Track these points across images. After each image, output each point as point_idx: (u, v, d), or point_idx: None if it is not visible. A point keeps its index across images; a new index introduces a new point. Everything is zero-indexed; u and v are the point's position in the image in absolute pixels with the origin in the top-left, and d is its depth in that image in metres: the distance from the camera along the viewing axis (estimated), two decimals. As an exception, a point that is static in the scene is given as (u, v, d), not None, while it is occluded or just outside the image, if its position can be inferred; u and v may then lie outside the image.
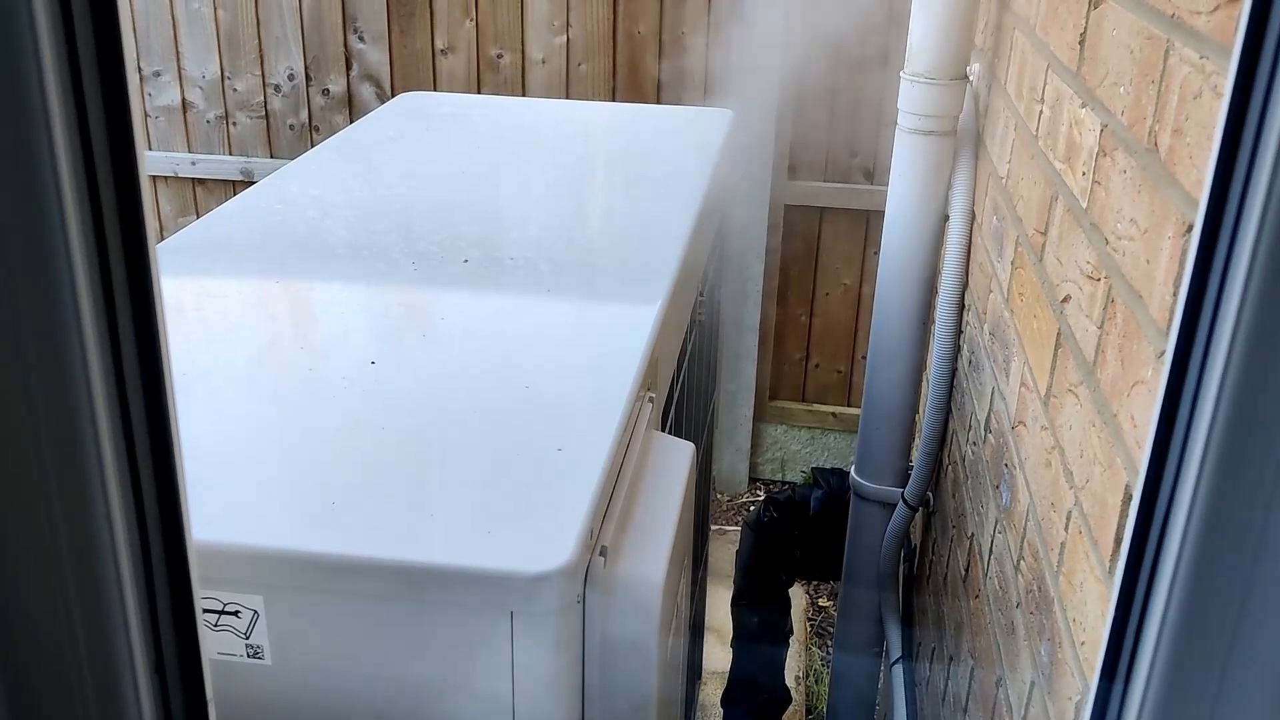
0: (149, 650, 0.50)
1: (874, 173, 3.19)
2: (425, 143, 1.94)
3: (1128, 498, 0.88)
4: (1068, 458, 1.08)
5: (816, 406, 3.51)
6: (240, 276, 1.35)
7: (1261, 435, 0.48)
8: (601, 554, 0.88)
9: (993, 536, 1.43)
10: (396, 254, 1.39)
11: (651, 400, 1.14)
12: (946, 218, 1.86)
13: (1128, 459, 0.88)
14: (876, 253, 2.11)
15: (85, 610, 0.47)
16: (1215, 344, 0.50)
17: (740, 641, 2.47)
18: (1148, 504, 0.57)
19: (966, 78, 1.80)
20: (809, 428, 3.52)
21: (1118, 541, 0.91)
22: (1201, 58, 0.79)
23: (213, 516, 0.84)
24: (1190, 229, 0.78)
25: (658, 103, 3.19)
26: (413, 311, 1.24)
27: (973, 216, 1.81)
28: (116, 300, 0.48)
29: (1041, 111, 1.34)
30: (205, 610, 0.82)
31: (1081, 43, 1.17)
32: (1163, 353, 0.82)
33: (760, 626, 2.44)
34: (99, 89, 0.44)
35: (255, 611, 0.82)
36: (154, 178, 3.57)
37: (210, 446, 0.94)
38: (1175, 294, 0.81)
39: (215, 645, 0.82)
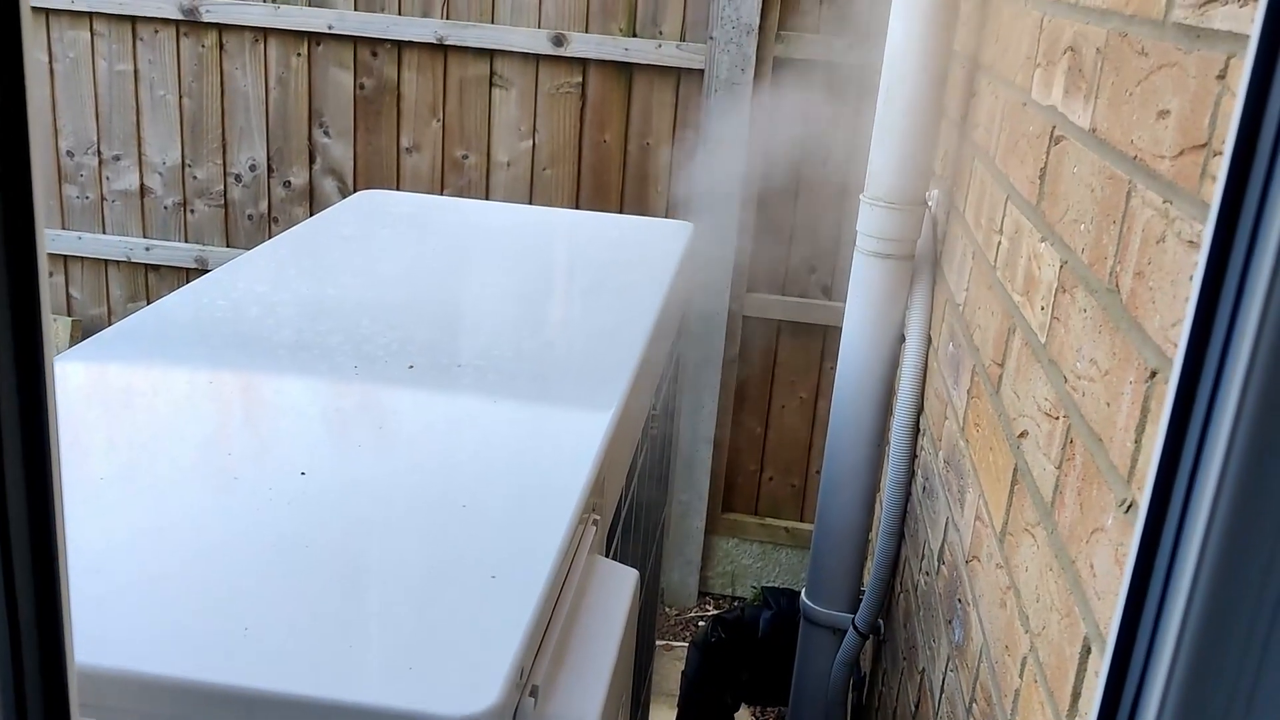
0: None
1: (831, 289, 3.21)
2: (381, 241, 1.91)
3: (1086, 650, 0.84)
4: (1024, 600, 1.04)
5: (769, 520, 3.46)
6: (175, 371, 1.29)
7: (1245, 611, 0.45)
8: (532, 694, 0.82)
9: (944, 674, 1.38)
10: (340, 355, 1.34)
11: (595, 523, 1.09)
12: (903, 340, 1.85)
13: (1086, 609, 0.85)
14: (832, 367, 2.10)
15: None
16: (1194, 506, 0.47)
17: (682, 767, 2.37)
18: (1117, 675, 0.53)
19: (925, 203, 1.80)
20: (761, 542, 3.46)
21: (1074, 695, 0.86)
22: (1165, 202, 0.78)
23: (110, 640, 0.77)
24: (1153, 375, 0.76)
25: (620, 211, 3.20)
26: (350, 418, 1.19)
27: (929, 341, 1.80)
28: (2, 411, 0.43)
29: (1000, 242, 1.34)
30: (94, 744, 0.75)
31: (1042, 177, 1.16)
32: (1124, 501, 0.79)
33: (703, 752, 2.35)
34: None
35: (150, 746, 0.75)
36: (106, 262, 3.51)
37: (116, 561, 0.87)
38: (1137, 441, 0.78)
39: (103, 782, 0.75)
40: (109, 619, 0.80)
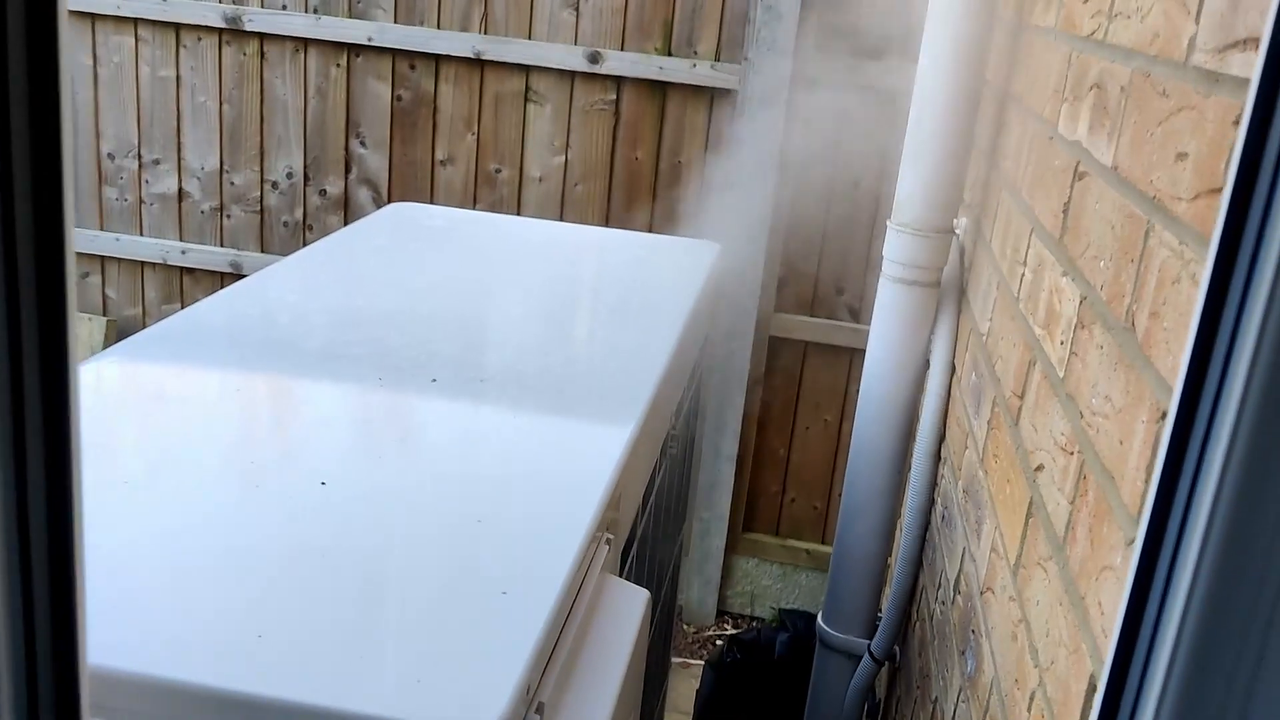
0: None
1: (859, 311, 3.21)
2: (411, 254, 1.93)
3: (1092, 688, 0.84)
4: (1034, 634, 1.04)
5: (790, 542, 3.46)
6: (203, 376, 1.32)
7: (1232, 645, 0.45)
8: (538, 711, 0.83)
9: (956, 705, 1.38)
10: (365, 366, 1.36)
11: (609, 542, 1.10)
12: (927, 366, 1.85)
13: (1093, 648, 0.85)
14: (858, 390, 2.10)
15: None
16: (1187, 539, 0.47)
17: (694, 787, 2.37)
18: (1111, 701, 0.54)
19: (953, 231, 1.81)
20: (781, 563, 3.46)
21: (1081, 733, 0.86)
22: (1180, 244, 0.78)
23: (124, 643, 0.79)
24: (1164, 415, 0.76)
25: (650, 228, 3.22)
26: (372, 429, 1.21)
27: (953, 369, 1.80)
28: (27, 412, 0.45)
29: (1024, 274, 1.34)
30: (108, 744, 0.77)
31: (1065, 211, 1.17)
32: (1133, 540, 0.79)
33: (715, 773, 2.35)
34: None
35: (162, 748, 0.77)
36: (143, 264, 3.57)
37: (133, 564, 0.89)
38: (1147, 480, 0.78)
39: (116, 782, 0.77)
40: (124, 622, 0.82)
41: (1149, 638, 0.46)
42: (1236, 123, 0.69)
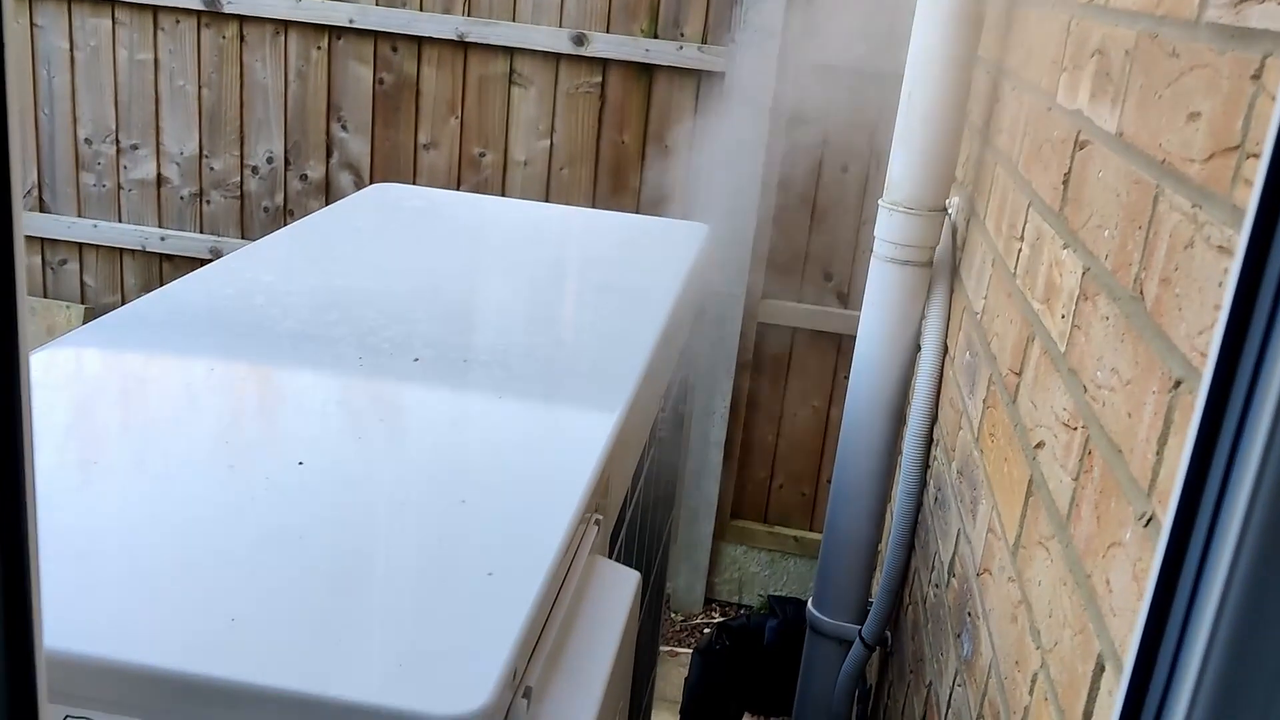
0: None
1: (848, 296, 3.18)
2: (392, 235, 1.89)
3: (1100, 668, 0.81)
4: (1035, 615, 1.02)
5: (779, 529, 3.43)
6: (176, 358, 1.28)
7: (1276, 633, 0.42)
8: (525, 695, 0.80)
9: (952, 689, 1.35)
10: (344, 347, 1.32)
11: (598, 523, 1.07)
12: (919, 348, 1.82)
13: (1101, 626, 0.82)
14: (847, 376, 2.07)
15: None
16: (1223, 521, 0.44)
17: (683, 776, 2.35)
18: (1136, 696, 0.50)
19: (945, 210, 1.78)
20: (769, 550, 3.43)
21: (1087, 715, 0.83)
22: (1194, 206, 0.75)
23: (92, 627, 0.75)
24: (1178, 384, 0.73)
25: (637, 212, 3.18)
26: (352, 410, 1.17)
27: (945, 350, 1.77)
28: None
29: (1021, 249, 1.31)
30: (73, 734, 0.73)
31: (1065, 183, 1.14)
32: (1144, 515, 0.76)
33: (705, 761, 2.32)
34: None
35: (132, 737, 0.73)
36: (121, 250, 3.51)
37: (102, 548, 0.85)
38: (1159, 453, 0.75)
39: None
40: (93, 605, 0.78)
41: (1182, 615, 0.43)
42: (1256, 77, 0.66)
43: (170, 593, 0.81)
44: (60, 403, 1.13)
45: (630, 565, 1.31)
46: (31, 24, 3.33)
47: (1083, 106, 1.11)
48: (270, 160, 3.36)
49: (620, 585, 1.01)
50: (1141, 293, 0.84)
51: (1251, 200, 0.47)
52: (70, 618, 0.76)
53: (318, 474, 1.00)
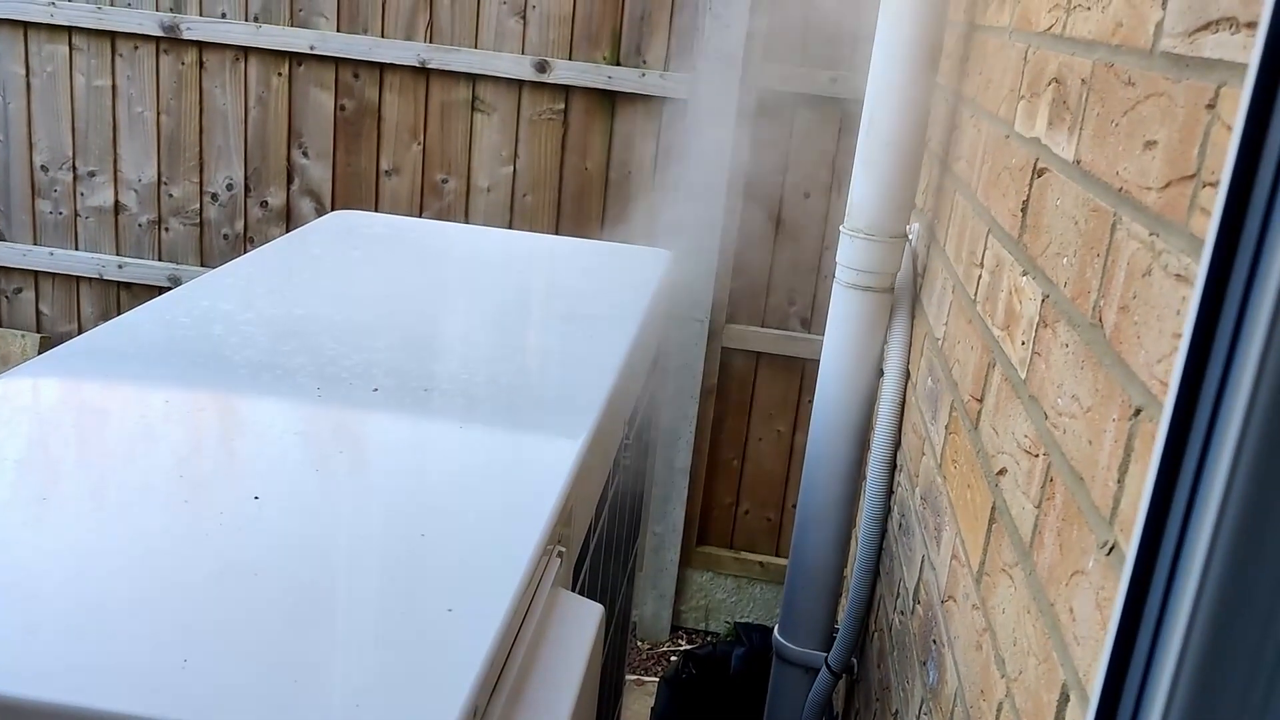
0: None
1: (811, 322, 3.19)
2: (352, 262, 1.88)
3: (1064, 698, 0.81)
4: (1000, 643, 1.01)
5: (744, 554, 3.42)
6: (130, 389, 1.25)
7: (1242, 663, 0.42)
8: (485, 734, 0.78)
9: (918, 717, 1.34)
10: (303, 377, 1.30)
11: (561, 555, 1.05)
12: (881, 374, 1.83)
13: (1065, 655, 0.81)
14: (811, 401, 2.07)
15: None
16: (1187, 550, 0.44)
17: (650, 807, 2.32)
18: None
19: (906, 236, 1.79)
20: (735, 576, 3.42)
21: (1053, 745, 0.83)
22: (1151, 234, 0.75)
23: (34, 669, 0.73)
24: (1138, 412, 0.73)
25: (600, 238, 3.18)
26: (310, 441, 1.15)
27: (908, 375, 1.78)
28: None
29: (981, 276, 1.32)
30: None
31: (1024, 210, 1.14)
32: (1106, 543, 0.76)
33: (672, 791, 2.30)
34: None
35: (78, 784, 0.71)
36: (78, 279, 3.46)
37: (49, 586, 0.83)
38: (1120, 480, 0.75)
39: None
40: (37, 647, 0.76)
41: (1147, 649, 0.42)
42: (1211, 106, 0.67)
43: (119, 633, 0.79)
44: (13, 435, 1.10)
45: (594, 595, 1.29)
46: (-14, 50, 3.29)
47: (1040, 134, 1.12)
48: (230, 187, 3.34)
49: (583, 619, 1.00)
50: (1100, 320, 0.84)
51: (1210, 230, 0.47)
52: (16, 660, 0.73)
53: (274, 508, 0.98)
